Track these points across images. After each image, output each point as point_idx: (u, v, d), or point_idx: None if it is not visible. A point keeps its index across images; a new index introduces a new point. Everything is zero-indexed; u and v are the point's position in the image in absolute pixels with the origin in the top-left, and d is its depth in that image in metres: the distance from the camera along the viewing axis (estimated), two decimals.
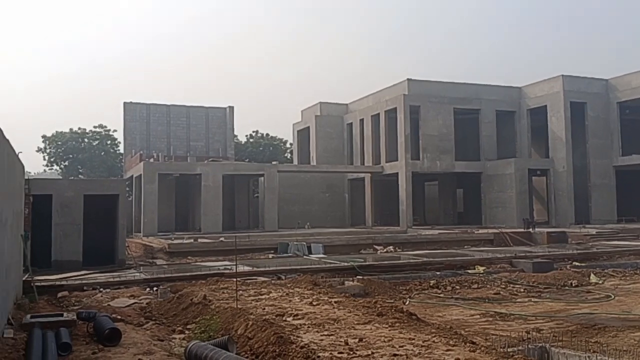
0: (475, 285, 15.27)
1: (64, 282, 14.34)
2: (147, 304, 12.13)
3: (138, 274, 16.33)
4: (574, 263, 19.02)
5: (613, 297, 13.41)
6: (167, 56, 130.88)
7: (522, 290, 14.68)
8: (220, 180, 35.65)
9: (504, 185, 37.84)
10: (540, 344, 7.35)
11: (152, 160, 39.22)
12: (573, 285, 15.17)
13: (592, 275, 16.54)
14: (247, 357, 6.84)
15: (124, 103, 50.72)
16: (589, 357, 6.18)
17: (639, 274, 17.57)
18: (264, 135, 64.75)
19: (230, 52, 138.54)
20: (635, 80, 38.79)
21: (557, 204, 37.96)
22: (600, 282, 15.90)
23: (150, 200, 33.82)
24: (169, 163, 38.75)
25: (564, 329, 9.87)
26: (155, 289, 13.95)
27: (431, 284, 15.23)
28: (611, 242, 26.38)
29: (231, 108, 53.20)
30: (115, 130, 57.75)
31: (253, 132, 64.93)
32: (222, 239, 26.77)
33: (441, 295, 14.11)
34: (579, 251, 21.57)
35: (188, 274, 15.80)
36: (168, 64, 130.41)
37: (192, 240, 26.50)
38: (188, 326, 9.76)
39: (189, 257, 22.73)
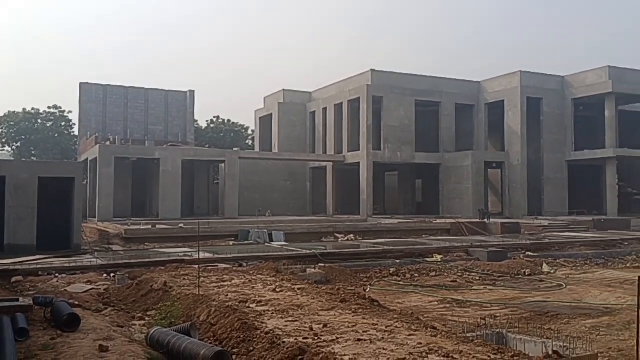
0: (434, 273, 15.61)
1: (17, 267, 13.92)
2: (105, 290, 11.92)
3: (95, 260, 16.00)
4: (527, 253, 19.63)
5: (565, 286, 13.93)
6: (126, 38, 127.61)
7: (477, 278, 15.08)
8: (179, 165, 35.14)
9: (461, 176, 38.65)
10: (497, 330, 7.59)
11: (108, 143, 38.30)
12: (526, 274, 15.68)
13: (544, 264, 17.12)
14: (210, 343, 6.82)
15: (80, 84, 49.21)
16: (543, 342, 6.43)
17: (589, 264, 18.27)
18: (226, 121, 64.07)
19: (192, 36, 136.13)
20: (590, 77, 40.08)
21: (511, 196, 39.02)
22: (552, 271, 16.48)
23: (106, 184, 33.06)
24: (126, 146, 37.90)
25: (519, 316, 10.22)
26: (113, 275, 13.72)
27: (391, 272, 15.48)
28: (562, 233, 27.33)
29: (192, 92, 52.36)
30: (70, 112, 56.16)
31: (214, 117, 64.23)
32: (181, 225, 26.46)
33: (401, 282, 14.37)
34: (531, 241, 22.27)
35: (147, 260, 15.57)
36: (127, 46, 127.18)
37: (149, 226, 26.08)
38: (148, 313, 9.65)
39: (147, 243, 22.38)
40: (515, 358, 5.22)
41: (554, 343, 6.39)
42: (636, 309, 10.96)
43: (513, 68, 50.67)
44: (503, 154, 40.14)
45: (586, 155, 39.19)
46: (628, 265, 18.38)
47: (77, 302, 9.85)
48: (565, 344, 6.39)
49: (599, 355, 7.11)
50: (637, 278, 15.00)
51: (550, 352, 5.71)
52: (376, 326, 6.66)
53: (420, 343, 5.78)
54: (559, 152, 39.99)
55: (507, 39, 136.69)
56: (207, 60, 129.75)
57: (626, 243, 22.75)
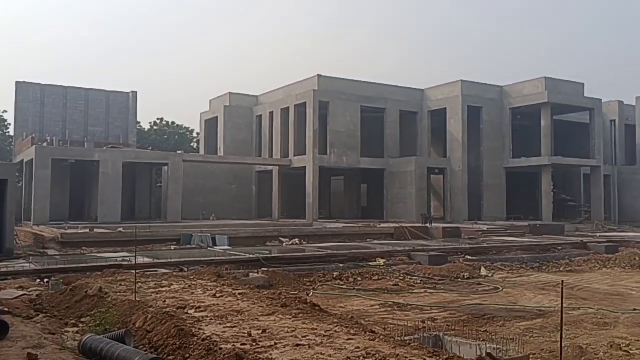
0: (376, 277, 15.77)
1: None
2: (37, 296, 11.41)
3: (27, 265, 15.30)
4: (466, 257, 20.12)
5: (501, 289, 14.36)
6: (68, 37, 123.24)
7: (419, 281, 15.34)
8: (120, 168, 34.17)
9: (405, 182, 39.35)
10: (434, 333, 7.73)
11: (45, 144, 36.82)
12: (465, 277, 16.08)
13: (482, 268, 17.60)
14: (146, 351, 6.63)
15: (16, 82, 47.11)
16: (478, 344, 6.58)
17: (525, 268, 18.91)
18: (169, 123, 62.84)
19: (136, 37, 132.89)
20: (527, 88, 41.71)
21: (452, 201, 40.03)
22: (490, 275, 16.96)
23: (42, 187, 31.78)
24: (64, 148, 36.54)
25: (457, 319, 10.45)
26: (46, 280, 13.17)
27: (334, 276, 15.54)
28: (500, 238, 28.22)
29: (134, 93, 51.04)
30: (5, 111, 53.72)
31: (158, 119, 62.88)
32: (120, 229, 25.68)
33: (344, 286, 14.44)
34: (471, 246, 22.87)
35: (83, 265, 15.02)
36: (68, 45, 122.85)
37: (87, 230, 25.21)
38: (82, 319, 9.30)
39: (84, 248, 21.62)
40: None
41: (489, 345, 6.55)
42: (568, 311, 11.43)
43: (455, 77, 52.11)
44: (445, 160, 41.14)
45: (523, 163, 40.70)
46: (561, 269, 19.15)
47: (6, 309, 9.38)
48: (499, 346, 6.56)
49: (531, 356, 7.34)
50: (569, 281, 15.64)
51: (484, 355, 5.85)
52: (316, 331, 6.64)
53: (359, 347, 5.81)
54: (497, 159, 41.35)
55: (450, 49, 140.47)
56: (151, 62, 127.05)
57: (560, 248, 23.68)
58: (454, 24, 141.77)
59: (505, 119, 41.76)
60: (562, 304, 3.73)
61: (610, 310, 11.47)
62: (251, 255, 17.21)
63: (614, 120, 48.13)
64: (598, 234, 31.71)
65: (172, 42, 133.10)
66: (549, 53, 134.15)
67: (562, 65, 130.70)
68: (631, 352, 8.02)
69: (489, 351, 6.08)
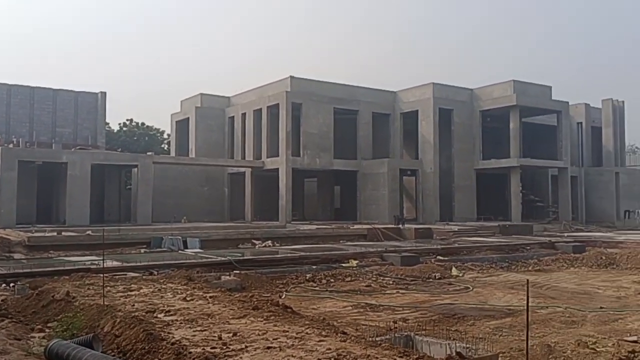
0: (349, 278, 15.79)
1: None
2: (2, 300, 11.11)
3: None
4: (438, 257, 20.31)
5: (471, 288, 14.52)
6: (35, 36, 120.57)
7: (391, 282, 15.42)
8: (88, 169, 33.58)
9: (377, 183, 39.57)
10: (405, 333, 7.77)
11: (11, 145, 35.96)
12: (437, 277, 16.21)
13: (453, 268, 17.78)
14: (114, 356, 6.50)
15: None
16: (448, 344, 6.64)
17: (495, 267, 19.18)
18: (139, 124, 62.00)
19: (105, 36, 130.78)
20: (496, 91, 42.38)
21: (424, 203, 40.41)
22: (461, 274, 17.15)
23: (8, 189, 31.05)
24: (30, 149, 35.76)
25: (428, 319, 10.53)
26: (12, 285, 12.85)
27: (307, 278, 15.50)
28: (471, 238, 28.59)
29: (103, 94, 50.14)
30: None
31: (127, 120, 61.97)
32: (89, 232, 25.21)
33: (316, 288, 14.42)
34: (442, 246, 23.10)
35: (50, 269, 14.67)
36: (35, 44, 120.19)
37: (55, 233, 24.68)
38: (49, 324, 9.09)
39: (52, 252, 21.14)
40: None
41: (458, 344, 6.61)
42: (536, 310, 11.62)
43: (426, 80, 52.65)
44: (417, 161, 41.51)
45: (493, 164, 41.33)
46: (530, 268, 19.46)
47: None
48: (469, 345, 6.62)
49: (500, 354, 7.43)
50: (538, 280, 15.91)
51: (454, 354, 5.90)
52: (287, 333, 6.61)
53: (330, 349, 5.79)
54: (468, 161, 41.91)
55: (421, 52, 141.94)
56: (121, 62, 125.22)
57: (528, 247, 24.10)
58: (426, 28, 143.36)
59: (476, 121, 42.35)
60: (527, 302, 3.78)
61: (578, 309, 11.70)
62: (223, 258, 17.06)
63: (581, 123, 49.28)
64: (565, 234, 32.37)
65: (143, 42, 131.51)
66: (517, 56, 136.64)
67: (530, 69, 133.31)
68: (597, 349, 8.18)
69: (458, 350, 6.14)
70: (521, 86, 41.68)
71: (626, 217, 44.88)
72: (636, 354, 7.09)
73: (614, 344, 8.11)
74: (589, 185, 46.78)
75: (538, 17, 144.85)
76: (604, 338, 8.99)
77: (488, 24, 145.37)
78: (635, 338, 7.93)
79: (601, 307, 11.96)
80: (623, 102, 49.55)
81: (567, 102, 43.74)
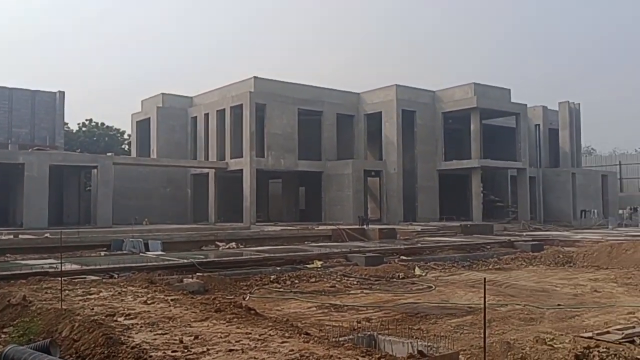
0: (313, 279, 15.79)
1: None
2: None
3: None
4: (401, 257, 20.50)
5: (434, 287, 14.71)
6: None
7: (355, 282, 15.48)
8: (46, 171, 32.69)
9: (342, 184, 39.75)
10: (368, 333, 7.82)
11: None
12: (400, 277, 16.37)
13: (416, 268, 17.99)
14: None
15: None
16: (410, 342, 6.71)
17: (456, 266, 19.48)
18: (99, 124, 60.69)
19: (65, 36, 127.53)
20: (457, 93, 43.14)
21: (388, 203, 40.79)
22: (424, 274, 17.36)
23: None
24: None
25: (391, 318, 10.61)
26: None
27: (271, 279, 15.43)
28: (434, 238, 28.99)
29: (62, 93, 48.85)
30: None
31: (86, 120, 60.60)
32: (47, 235, 24.53)
33: (281, 289, 14.36)
34: (406, 246, 23.34)
35: (6, 272, 14.19)
36: None
37: (11, 236, 23.95)
38: (4, 330, 8.81)
39: (8, 255, 20.50)
40: (382, 359, 5.38)
41: (420, 343, 6.69)
42: (495, 308, 11.84)
43: (390, 81, 53.21)
44: (381, 162, 41.87)
45: (454, 165, 42.04)
46: (490, 267, 19.84)
47: None
48: (430, 344, 6.71)
49: (461, 352, 7.55)
50: (498, 279, 16.18)
51: (415, 352, 5.97)
52: (250, 335, 6.57)
53: (292, 350, 5.78)
54: (430, 162, 42.51)
55: (386, 53, 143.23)
56: (80, 61, 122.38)
57: (489, 247, 24.57)
58: (388, 30, 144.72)
59: (438, 122, 42.99)
60: (484, 301, 3.86)
61: (536, 306, 11.98)
62: (185, 260, 16.83)
63: (539, 125, 50.57)
64: (524, 233, 33.15)
65: (102, 40, 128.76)
66: (478, 59, 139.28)
67: (490, 72, 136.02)
68: (555, 345, 8.38)
69: (420, 349, 6.21)
70: (481, 89, 42.53)
71: (582, 216, 46.26)
72: (591, 350, 7.30)
73: (570, 341, 8.33)
74: (546, 186, 48.06)
75: (498, 21, 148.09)
76: (561, 335, 9.22)
77: (449, 26, 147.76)
78: (590, 334, 8.17)
79: (558, 305, 12.27)
80: (579, 104, 51.10)
81: (526, 105, 44.86)
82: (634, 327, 8.80)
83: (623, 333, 8.07)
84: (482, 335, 9.23)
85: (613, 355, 7.02)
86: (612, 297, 13.49)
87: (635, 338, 8.01)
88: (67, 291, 10.41)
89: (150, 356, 5.65)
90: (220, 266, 16.62)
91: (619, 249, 20.84)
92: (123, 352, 6.01)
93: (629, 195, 55.07)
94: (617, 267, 19.19)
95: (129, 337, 6.63)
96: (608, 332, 8.19)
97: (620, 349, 7.36)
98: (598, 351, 7.14)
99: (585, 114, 53.09)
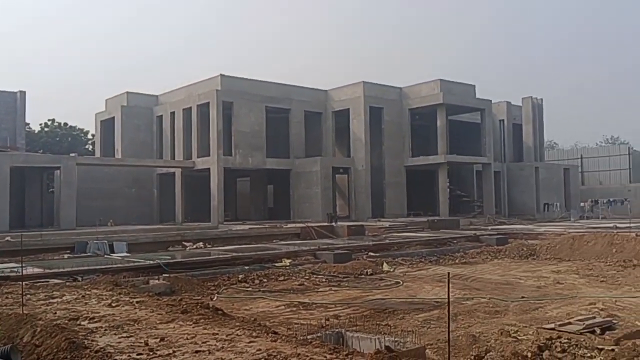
0: (282, 278, 15.74)
1: None
2: None
3: None
4: (369, 253, 20.61)
5: (402, 283, 14.82)
6: None
7: (324, 280, 15.49)
8: (7, 172, 31.79)
9: (310, 182, 39.76)
10: (337, 330, 7.84)
11: None
12: (368, 273, 16.45)
13: (384, 263, 18.11)
14: None
15: None
16: (378, 338, 6.75)
17: (424, 261, 19.68)
18: (62, 124, 59.30)
19: (24, 35, 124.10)
20: (424, 89, 43.59)
21: (356, 200, 41.00)
22: (392, 270, 17.48)
23: None
24: None
25: (360, 314, 10.67)
26: None
27: (240, 279, 15.31)
28: (401, 233, 29.24)
29: (22, 93, 47.58)
30: None
31: (49, 120, 59.13)
32: (8, 238, 23.84)
33: (249, 288, 14.27)
34: (374, 242, 23.49)
35: None
36: None
37: None
38: None
39: None
40: (349, 356, 5.40)
41: (387, 338, 6.74)
42: (461, 301, 12.01)
43: (357, 78, 53.46)
44: (349, 159, 42.03)
45: (421, 161, 42.50)
46: (456, 261, 20.11)
47: None
48: (397, 339, 6.76)
49: (428, 346, 7.64)
50: (464, 272, 16.41)
51: (383, 348, 6.01)
52: (217, 336, 6.51)
53: (260, 349, 5.76)
54: (398, 158, 42.87)
55: (353, 50, 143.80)
56: (42, 61, 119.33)
57: (455, 241, 24.90)
58: (355, 26, 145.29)
59: (405, 119, 43.38)
60: (448, 294, 3.91)
61: (501, 299, 12.20)
62: (151, 262, 16.57)
63: (503, 120, 51.52)
64: (490, 227, 33.74)
65: (65, 39, 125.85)
66: (444, 56, 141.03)
67: (456, 68, 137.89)
68: (519, 337, 8.56)
69: (387, 344, 6.25)
70: (447, 85, 43.08)
71: (545, 209, 47.36)
72: (554, 341, 7.47)
73: (534, 332, 8.51)
74: (510, 180, 49.02)
75: (464, 19, 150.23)
76: (525, 326, 9.42)
77: (416, 23, 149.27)
78: (553, 326, 8.35)
79: (522, 297, 12.52)
80: (542, 99, 52.25)
81: (490, 101, 45.64)
82: (594, 318, 9.04)
83: (584, 323, 8.28)
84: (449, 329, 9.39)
85: (574, 346, 7.20)
86: (574, 288, 13.83)
87: (595, 328, 8.23)
88: (28, 295, 10.15)
89: (115, 359, 5.56)
90: (187, 267, 16.43)
91: (580, 241, 21.37)
92: (87, 356, 5.89)
93: (590, 188, 56.61)
94: (578, 258, 19.70)
95: (92, 340, 6.50)
96: (570, 323, 8.39)
97: (582, 339, 7.56)
98: (560, 342, 7.32)
99: (548, 109, 54.33)
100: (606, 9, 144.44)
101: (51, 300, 9.82)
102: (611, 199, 47.27)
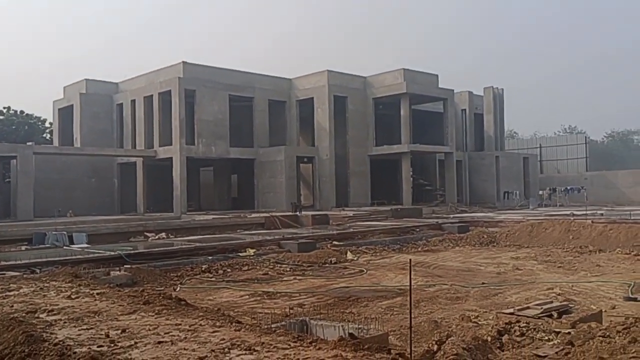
0: (246, 267, 15.70)
1: None
2: None
3: None
4: (334, 242, 20.70)
5: (365, 271, 14.98)
6: None
7: (288, 269, 15.53)
8: None
9: (275, 171, 39.63)
10: (301, 318, 7.86)
11: None
12: (332, 262, 16.56)
13: (348, 252, 18.25)
14: None
15: None
16: (342, 326, 6.80)
17: (387, 249, 19.92)
18: (18, 112, 57.42)
19: None
20: (388, 79, 43.81)
21: (321, 189, 41.10)
22: (356, 258, 17.64)
23: None
24: None
25: (324, 303, 10.72)
26: None
27: (203, 269, 15.21)
28: (365, 222, 29.47)
29: None
30: None
31: (4, 108, 57.12)
32: None
33: (213, 279, 14.19)
34: (338, 231, 23.61)
35: None
36: None
37: None
38: None
39: None
40: (313, 344, 5.42)
41: (351, 325, 6.79)
42: (424, 288, 12.19)
43: (322, 66, 53.30)
44: (313, 148, 42.02)
45: (385, 150, 42.82)
46: (419, 249, 20.41)
47: None
48: (361, 326, 6.82)
49: (391, 332, 7.74)
50: (426, 260, 16.64)
51: (346, 335, 6.05)
52: (179, 326, 6.44)
53: (224, 339, 5.72)
54: (362, 147, 43.08)
55: (317, 37, 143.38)
56: None
57: (418, 229, 25.24)
58: (319, 13, 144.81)
59: (369, 108, 43.57)
60: (410, 280, 3.97)
61: (462, 285, 12.44)
62: (112, 252, 16.26)
63: (465, 110, 52.29)
64: (451, 215, 34.33)
65: (20, 24, 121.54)
66: (408, 46, 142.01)
67: (418, 58, 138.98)
68: (480, 322, 8.75)
69: (351, 331, 6.30)
70: (411, 74, 43.41)
71: (505, 197, 48.43)
72: (513, 325, 7.66)
73: (494, 317, 8.72)
74: (472, 169, 49.89)
75: (427, 8, 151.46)
76: (486, 312, 9.65)
77: (380, 12, 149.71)
78: (512, 310, 8.56)
79: (483, 283, 12.80)
80: (502, 89, 53.21)
81: (453, 90, 46.24)
82: (552, 302, 9.31)
83: (542, 308, 8.52)
84: (412, 316, 9.53)
85: (532, 329, 7.40)
86: (532, 274, 14.22)
87: (553, 312, 8.47)
88: None
89: (75, 352, 5.42)
90: (150, 257, 16.19)
91: (538, 228, 21.97)
92: (45, 349, 5.73)
93: (548, 177, 58.11)
94: (537, 245, 20.26)
95: (51, 333, 6.34)
96: (528, 308, 8.62)
97: (539, 323, 7.77)
98: (519, 326, 7.51)
99: (509, 99, 55.34)
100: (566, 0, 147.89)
101: (7, 293, 9.54)
102: (569, 187, 48.61)
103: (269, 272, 15.07)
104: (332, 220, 30.41)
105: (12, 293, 9.61)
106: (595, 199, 46.84)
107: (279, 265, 16.10)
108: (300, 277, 14.30)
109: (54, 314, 7.53)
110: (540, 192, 49.66)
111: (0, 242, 21.28)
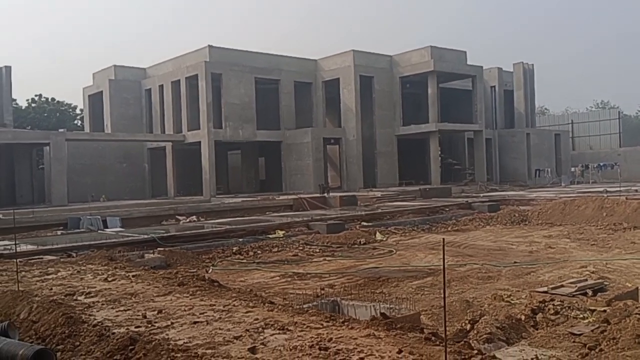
0: (276, 249, 15.84)
1: None
2: None
3: None
4: (362, 223, 20.72)
5: (395, 251, 14.96)
6: None
7: (317, 250, 15.61)
8: None
9: (302, 153, 39.67)
10: (332, 299, 7.92)
11: None
12: (362, 243, 16.58)
13: (377, 233, 18.24)
14: (32, 342, 6.20)
15: None
16: (373, 305, 6.83)
17: (416, 230, 19.84)
18: (49, 99, 58.57)
19: (12, 10, 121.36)
20: (414, 57, 43.21)
21: (348, 170, 41.03)
22: (384, 238, 17.63)
23: None
24: None
25: (354, 283, 10.78)
26: None
27: (234, 251, 15.41)
28: (393, 203, 29.33)
29: (8, 68, 46.66)
30: None
31: (36, 96, 58.35)
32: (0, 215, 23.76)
33: (244, 260, 14.37)
34: (366, 212, 23.58)
35: None
36: None
37: None
38: None
39: None
40: (346, 323, 5.46)
41: (382, 305, 6.82)
42: (455, 268, 12.13)
43: (347, 47, 52.90)
44: (340, 130, 41.89)
45: (412, 130, 42.43)
46: (449, 228, 20.29)
47: None
48: (392, 306, 6.84)
49: (422, 312, 7.75)
50: (456, 240, 16.53)
51: (378, 315, 6.08)
52: (214, 307, 6.56)
53: (257, 319, 5.81)
54: (389, 127, 42.76)
55: (343, 17, 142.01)
56: (26, 33, 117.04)
57: (447, 209, 25.05)
58: None
59: (395, 87, 43.13)
60: (444, 260, 3.95)
61: (494, 265, 12.34)
62: (146, 236, 16.58)
63: (494, 87, 51.36)
64: (481, 194, 33.92)
65: (52, 17, 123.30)
66: (436, 23, 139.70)
67: (446, 34, 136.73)
68: (512, 302, 8.69)
69: (382, 311, 6.33)
70: (438, 52, 42.73)
71: (537, 175, 47.65)
72: (546, 304, 7.59)
73: (526, 296, 8.64)
74: (502, 147, 49.14)
75: None
76: (518, 291, 9.57)
77: None
78: (545, 289, 8.48)
79: (515, 262, 12.67)
80: (533, 65, 52.03)
81: (481, 67, 45.38)
82: (586, 280, 9.19)
83: (576, 286, 8.42)
84: (442, 295, 9.51)
85: (567, 308, 7.32)
86: (565, 252, 14.01)
87: (587, 290, 8.37)
88: (23, 272, 10.14)
89: (113, 333, 5.58)
90: (182, 240, 16.45)
91: (571, 205, 21.57)
92: (85, 330, 5.91)
93: (580, 153, 56.90)
94: (569, 223, 19.91)
95: (90, 315, 6.52)
96: (562, 286, 8.53)
97: (574, 301, 7.68)
98: (553, 304, 7.44)
99: (539, 74, 54.09)
100: None
101: (46, 277, 9.83)
102: (601, 164, 47.55)
103: (299, 254, 15.19)
104: (360, 201, 30.36)
105: (50, 276, 9.91)
106: (629, 175, 45.75)
107: (308, 246, 16.20)
108: (329, 258, 14.37)
109: (92, 296, 7.74)
110: (573, 169, 48.72)
111: (37, 227, 21.84)
